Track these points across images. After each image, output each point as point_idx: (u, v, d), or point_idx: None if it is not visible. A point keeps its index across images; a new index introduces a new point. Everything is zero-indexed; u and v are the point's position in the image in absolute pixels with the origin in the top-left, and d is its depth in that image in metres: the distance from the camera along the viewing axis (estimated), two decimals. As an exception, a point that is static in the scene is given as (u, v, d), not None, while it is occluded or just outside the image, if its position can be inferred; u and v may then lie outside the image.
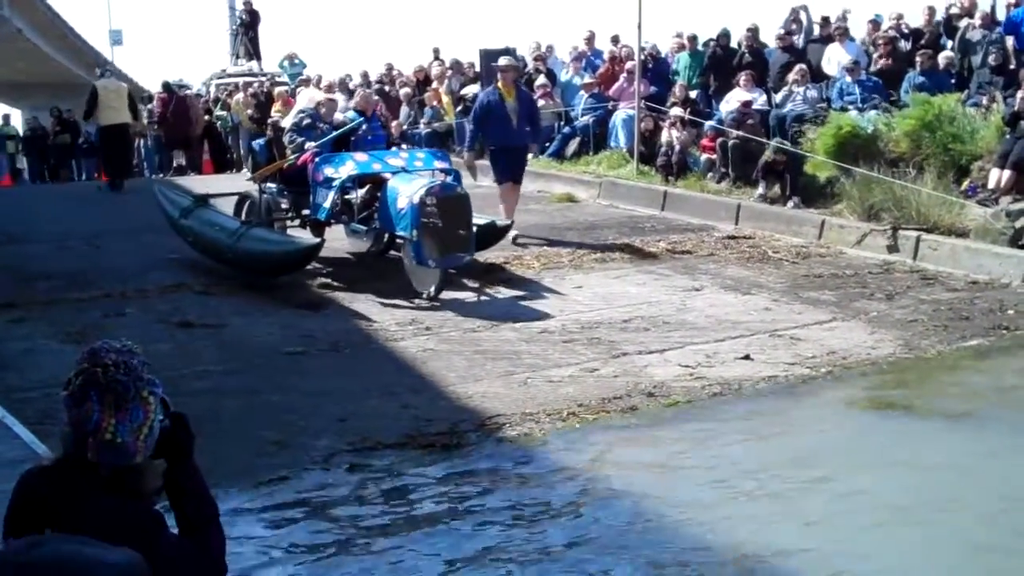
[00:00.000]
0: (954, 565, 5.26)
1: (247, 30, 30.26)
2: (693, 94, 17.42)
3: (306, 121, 11.58)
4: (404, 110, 21.81)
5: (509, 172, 13.02)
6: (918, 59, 15.46)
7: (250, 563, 5.21)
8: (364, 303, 10.23)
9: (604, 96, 18.38)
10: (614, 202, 15.89)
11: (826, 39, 17.21)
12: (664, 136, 16.38)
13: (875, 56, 16.45)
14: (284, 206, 11.95)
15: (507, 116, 12.82)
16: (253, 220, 11.52)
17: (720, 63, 17.66)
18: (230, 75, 30.05)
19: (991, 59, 14.92)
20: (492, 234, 11.77)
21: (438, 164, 11.33)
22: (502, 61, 13.72)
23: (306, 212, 11.50)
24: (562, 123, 18.83)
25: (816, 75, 16.35)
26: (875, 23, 17.81)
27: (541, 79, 19.10)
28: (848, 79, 15.44)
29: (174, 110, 22.79)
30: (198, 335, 9.27)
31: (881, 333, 9.35)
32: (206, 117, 24.67)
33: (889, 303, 10.35)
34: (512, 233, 12.73)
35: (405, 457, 6.67)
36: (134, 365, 2.67)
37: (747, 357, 8.63)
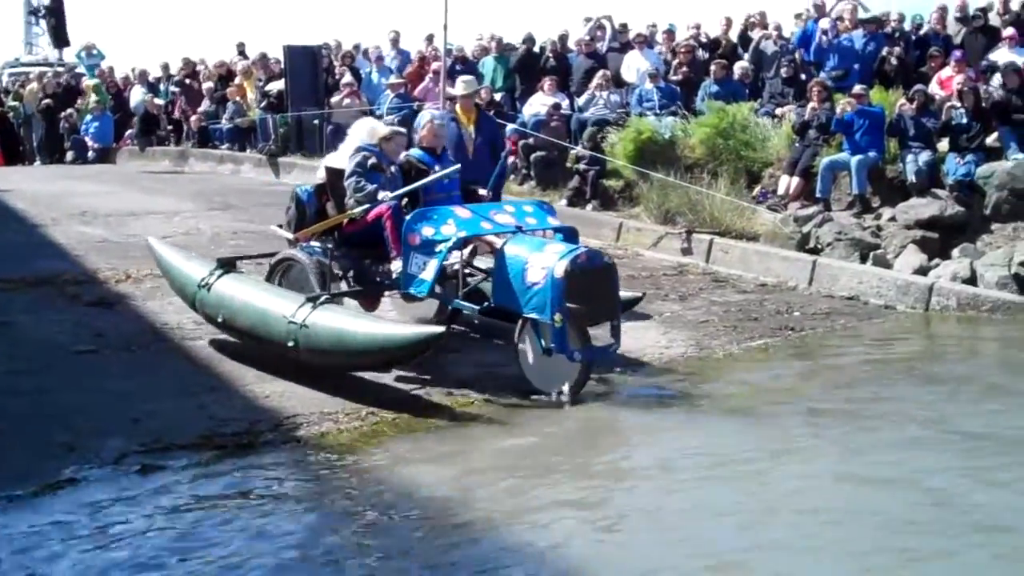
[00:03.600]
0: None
1: (50, 16, 29.31)
2: (498, 97, 17.57)
3: (372, 161, 8.80)
4: (205, 104, 21.47)
5: None
6: (714, 68, 15.97)
7: (29, 567, 5.05)
8: (159, 301, 9.99)
9: (410, 96, 18.40)
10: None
11: (625, 46, 17.62)
12: (469, 137, 16.48)
13: (674, 64, 16.92)
14: (336, 272, 8.99)
15: (463, 145, 10.51)
16: (321, 294, 8.28)
17: (526, 67, 17.90)
18: (24, 64, 29.03)
19: (783, 71, 15.53)
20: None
21: (552, 221, 8.86)
22: (459, 87, 11.19)
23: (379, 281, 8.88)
24: (367, 122, 18.76)
25: (617, 81, 16.73)
26: (670, 32, 18.35)
27: (347, 77, 19.08)
28: (648, 85, 15.84)
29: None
30: (-18, 333, 8.92)
31: (674, 333, 9.63)
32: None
33: (682, 304, 10.67)
34: None
35: (199, 458, 6.54)
36: None
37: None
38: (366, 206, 8.56)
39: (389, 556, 5.31)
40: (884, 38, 15.69)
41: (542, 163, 15.26)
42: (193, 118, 21.43)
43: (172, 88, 22.96)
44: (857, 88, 13.63)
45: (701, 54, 17.20)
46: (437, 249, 8.10)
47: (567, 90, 17.06)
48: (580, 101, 16.41)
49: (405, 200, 8.68)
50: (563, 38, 18.32)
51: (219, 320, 8.58)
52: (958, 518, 5.78)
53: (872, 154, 13.03)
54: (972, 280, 11.21)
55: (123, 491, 6.05)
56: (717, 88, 15.57)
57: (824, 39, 15.60)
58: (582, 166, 14.74)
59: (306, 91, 19.49)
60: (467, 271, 8.46)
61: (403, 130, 9.54)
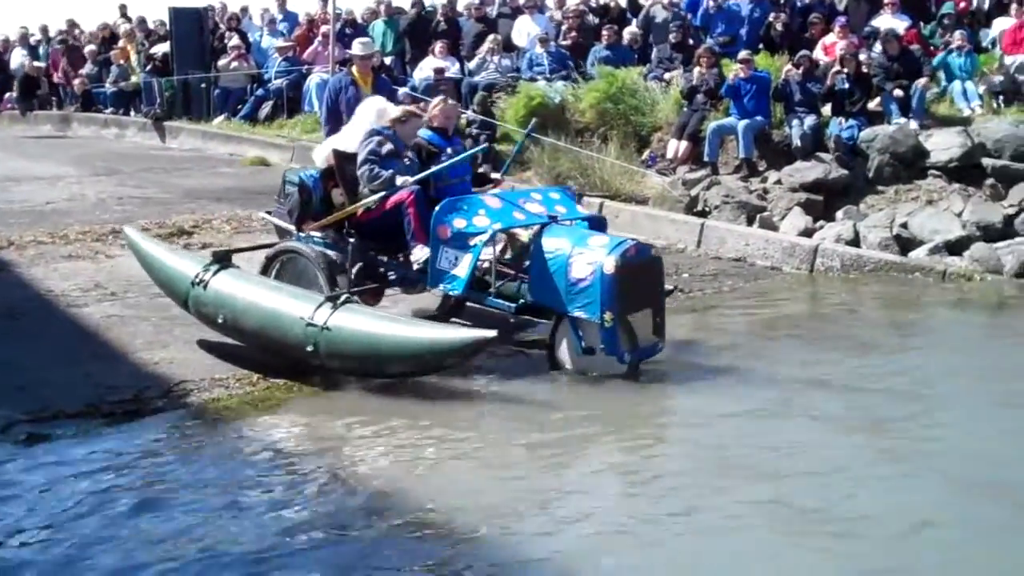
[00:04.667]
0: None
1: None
2: (388, 60, 17.48)
3: (387, 147, 8.05)
4: (88, 67, 21.03)
5: None
6: (604, 33, 16.06)
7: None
8: (43, 268, 9.81)
9: (299, 59, 18.23)
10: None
11: (516, 11, 17.63)
12: (359, 101, 16.39)
13: (564, 29, 16.98)
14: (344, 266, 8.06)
15: None
16: (342, 293, 7.48)
17: (416, 31, 17.83)
18: None
19: (672, 36, 15.66)
20: None
21: (581, 209, 8.57)
22: (357, 47, 11.44)
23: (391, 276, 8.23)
24: (255, 85, 18.60)
25: (507, 46, 16.74)
26: (561, -5, 18.43)
27: (235, 40, 18.82)
28: (538, 50, 15.87)
29: None
30: None
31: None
32: None
33: (574, 268, 10.72)
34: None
35: (87, 427, 6.48)
36: None
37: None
38: (382, 194, 7.87)
39: (280, 517, 5.32)
40: (770, 4, 15.89)
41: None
42: (76, 81, 20.97)
43: (55, 47, 22.42)
44: (743, 54, 13.78)
45: (591, 19, 17.29)
46: (472, 243, 7.46)
47: (458, 54, 17.03)
48: (471, 65, 16.40)
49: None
50: (453, 2, 18.32)
51: (219, 321, 7.74)
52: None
53: (759, 118, 13.22)
54: (855, 241, 11.49)
55: (10, 460, 5.96)
56: (607, 53, 15.66)
57: (712, 5, 15.80)
58: (473, 130, 14.72)
59: (192, 54, 19.21)
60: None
61: (418, 111, 8.79)
